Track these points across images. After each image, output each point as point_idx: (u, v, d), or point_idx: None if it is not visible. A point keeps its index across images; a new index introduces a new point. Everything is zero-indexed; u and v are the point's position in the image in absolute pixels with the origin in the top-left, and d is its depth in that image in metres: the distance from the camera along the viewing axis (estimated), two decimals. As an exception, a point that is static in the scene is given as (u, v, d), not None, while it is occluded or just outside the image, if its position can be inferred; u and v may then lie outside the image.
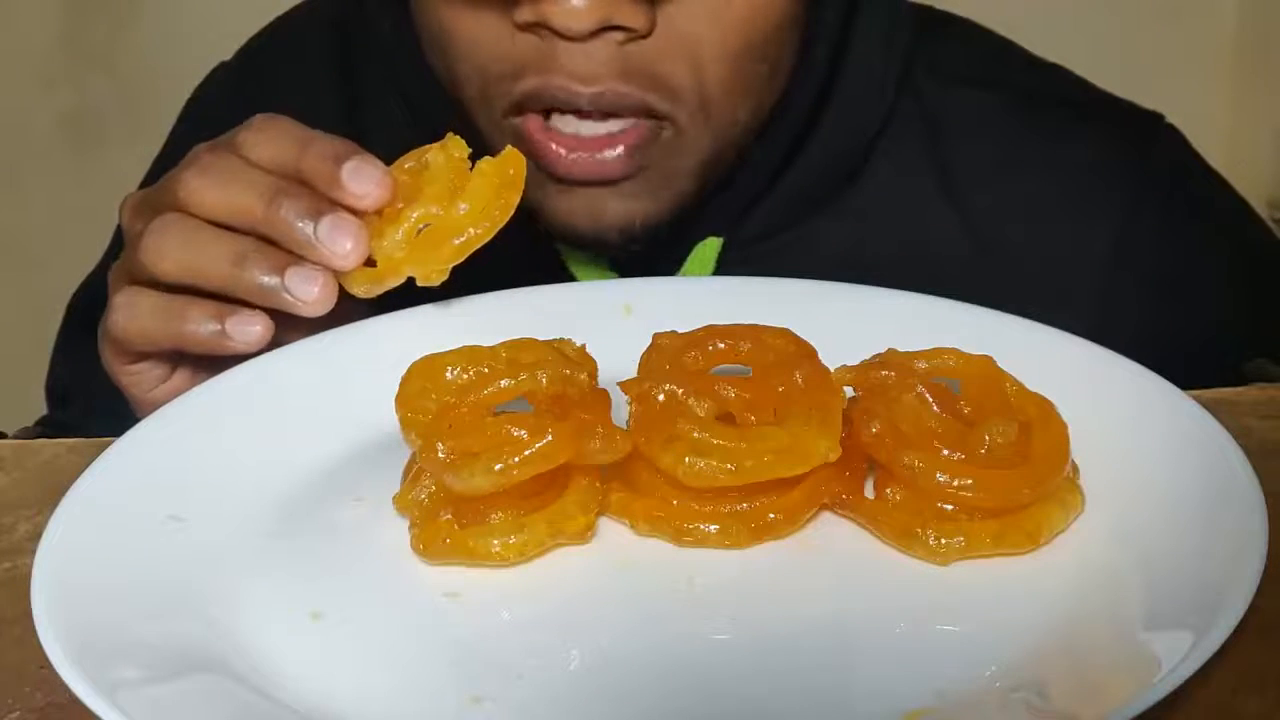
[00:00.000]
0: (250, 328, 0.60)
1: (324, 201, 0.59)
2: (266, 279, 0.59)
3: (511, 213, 0.59)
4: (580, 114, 0.67)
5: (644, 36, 0.65)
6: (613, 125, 0.67)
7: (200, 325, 0.60)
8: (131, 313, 0.61)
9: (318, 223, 0.58)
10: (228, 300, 0.60)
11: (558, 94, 0.66)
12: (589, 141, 0.67)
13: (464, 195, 0.59)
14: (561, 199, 0.69)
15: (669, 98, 0.67)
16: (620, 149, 0.67)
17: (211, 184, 0.59)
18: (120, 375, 0.64)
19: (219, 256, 0.59)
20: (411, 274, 0.60)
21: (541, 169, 0.68)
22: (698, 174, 0.71)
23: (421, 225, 0.60)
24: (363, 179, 0.58)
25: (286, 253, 0.59)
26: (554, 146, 0.67)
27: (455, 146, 0.60)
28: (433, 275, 0.59)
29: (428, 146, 0.61)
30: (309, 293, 0.59)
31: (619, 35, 0.65)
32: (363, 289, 0.60)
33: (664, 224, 0.71)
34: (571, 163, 0.67)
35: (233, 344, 0.60)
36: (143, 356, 0.63)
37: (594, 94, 0.66)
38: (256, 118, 0.62)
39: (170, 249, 0.60)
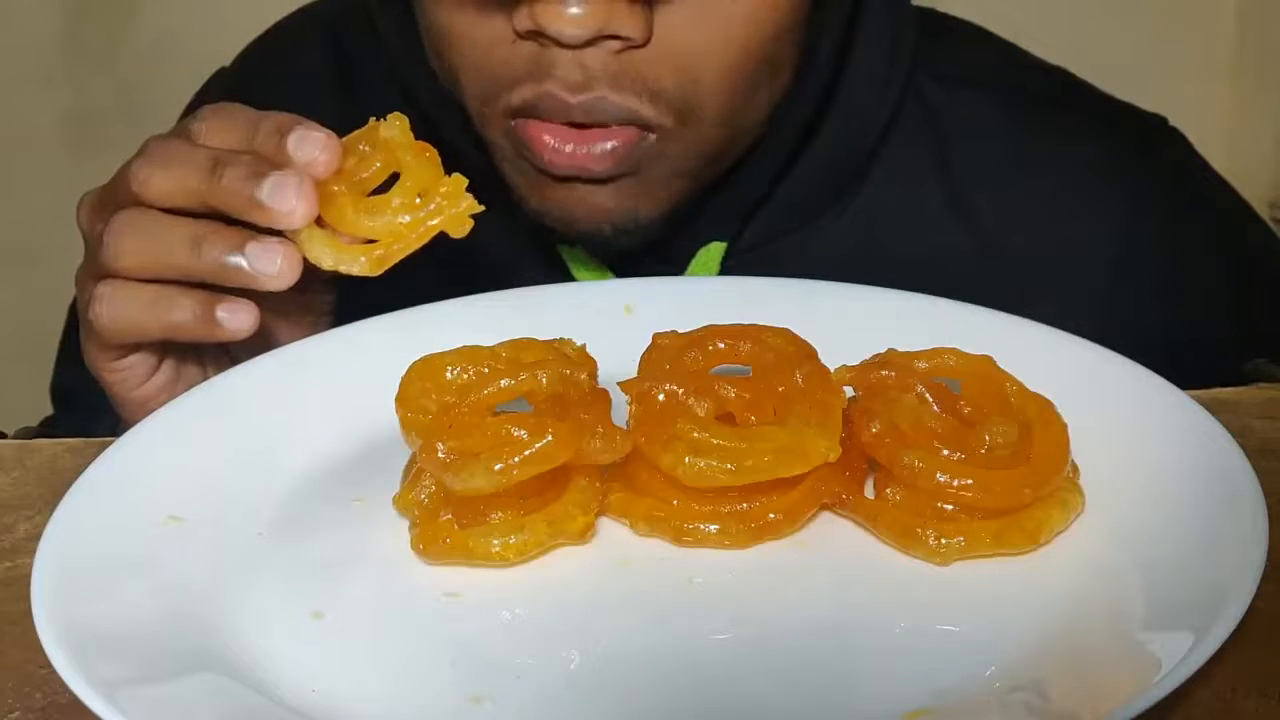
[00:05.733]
0: (238, 313, 0.59)
1: (265, 165, 0.58)
2: (227, 258, 0.58)
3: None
4: (571, 125, 0.67)
5: (640, 46, 0.65)
6: (601, 134, 0.67)
7: (188, 312, 0.60)
8: (115, 304, 0.60)
9: (260, 184, 0.57)
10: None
11: (549, 103, 0.66)
12: (579, 134, 0.67)
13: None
14: (559, 192, 0.69)
15: (657, 106, 0.67)
16: (610, 144, 0.67)
17: (157, 168, 0.60)
18: (106, 373, 0.64)
19: (176, 243, 0.59)
20: (443, 229, 0.59)
21: (534, 164, 0.68)
22: (690, 175, 0.71)
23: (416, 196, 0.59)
24: (308, 144, 0.58)
25: (243, 230, 0.59)
26: (545, 138, 0.67)
27: (398, 119, 0.60)
28: (456, 228, 0.58)
29: (372, 125, 0.60)
30: (271, 265, 0.58)
31: (615, 44, 0.65)
32: (368, 266, 0.59)
33: (659, 221, 0.71)
34: (558, 153, 0.67)
35: (222, 330, 0.59)
36: (128, 351, 0.63)
37: (584, 102, 0.66)
38: (204, 108, 0.62)
39: (128, 244, 0.60)
